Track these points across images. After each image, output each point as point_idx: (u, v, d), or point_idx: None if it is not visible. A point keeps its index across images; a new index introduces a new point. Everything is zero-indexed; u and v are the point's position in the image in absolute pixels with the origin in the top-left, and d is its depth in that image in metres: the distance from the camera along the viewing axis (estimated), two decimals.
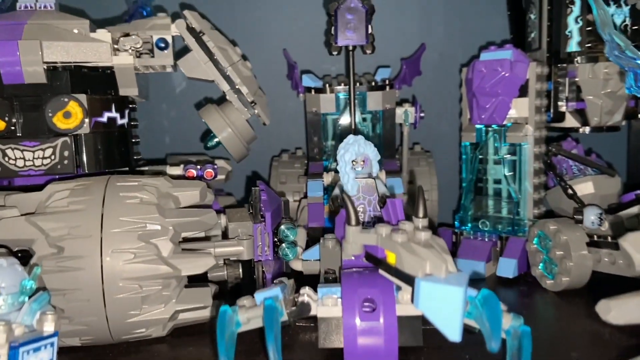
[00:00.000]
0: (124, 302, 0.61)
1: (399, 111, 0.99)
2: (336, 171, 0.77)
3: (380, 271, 0.52)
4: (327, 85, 0.97)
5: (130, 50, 0.82)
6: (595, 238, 0.79)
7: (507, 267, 0.87)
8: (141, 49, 0.83)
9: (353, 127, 0.89)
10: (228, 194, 1.04)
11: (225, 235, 0.78)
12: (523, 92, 0.88)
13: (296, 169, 1.04)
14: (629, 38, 0.79)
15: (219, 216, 0.79)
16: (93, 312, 0.61)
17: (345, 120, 0.98)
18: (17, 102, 0.75)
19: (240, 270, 0.79)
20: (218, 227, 0.78)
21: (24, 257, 0.64)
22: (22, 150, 0.75)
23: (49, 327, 0.52)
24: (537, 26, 0.96)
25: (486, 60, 0.88)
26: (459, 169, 1.06)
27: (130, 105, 0.87)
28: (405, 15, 1.13)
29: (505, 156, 0.90)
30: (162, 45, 0.84)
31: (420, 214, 0.54)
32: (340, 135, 0.97)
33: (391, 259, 0.51)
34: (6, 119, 0.74)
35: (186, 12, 0.86)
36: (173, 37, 0.86)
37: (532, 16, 0.98)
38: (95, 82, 0.80)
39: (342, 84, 0.96)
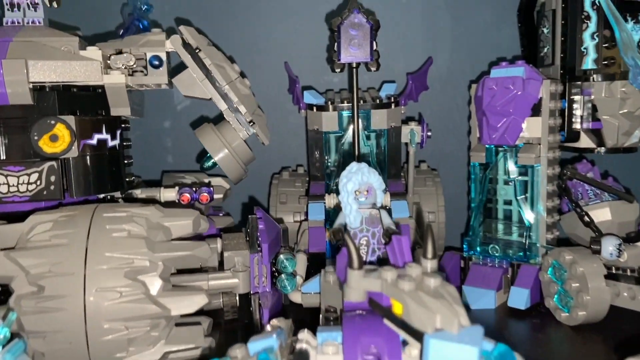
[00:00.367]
0: (109, 345, 0.58)
1: (405, 130, 0.94)
2: (338, 192, 0.73)
3: (386, 321, 0.48)
4: (329, 102, 0.92)
5: (122, 69, 0.78)
6: (614, 270, 0.75)
7: (519, 298, 0.82)
8: (134, 66, 0.79)
9: (357, 152, 0.85)
10: (226, 214, 1.00)
11: (221, 262, 0.74)
12: (536, 111, 0.83)
13: (297, 187, 1.00)
14: None
15: (215, 240, 0.75)
16: (76, 356, 0.57)
17: (348, 139, 0.93)
18: (0, 125, 0.71)
19: (237, 298, 0.75)
20: (214, 251, 0.74)
21: (4, 292, 0.61)
22: (6, 176, 0.71)
23: None
24: (550, 41, 0.91)
25: (497, 77, 0.84)
26: (467, 189, 1.02)
27: (123, 125, 0.83)
28: (411, 27, 1.09)
29: (516, 178, 0.86)
30: (156, 63, 0.80)
31: (429, 254, 0.50)
32: (343, 155, 0.93)
33: (397, 308, 0.47)
34: None
35: (182, 28, 0.82)
36: (168, 53, 0.82)
37: (545, 30, 0.93)
38: (85, 102, 0.76)
39: (345, 102, 0.92)
